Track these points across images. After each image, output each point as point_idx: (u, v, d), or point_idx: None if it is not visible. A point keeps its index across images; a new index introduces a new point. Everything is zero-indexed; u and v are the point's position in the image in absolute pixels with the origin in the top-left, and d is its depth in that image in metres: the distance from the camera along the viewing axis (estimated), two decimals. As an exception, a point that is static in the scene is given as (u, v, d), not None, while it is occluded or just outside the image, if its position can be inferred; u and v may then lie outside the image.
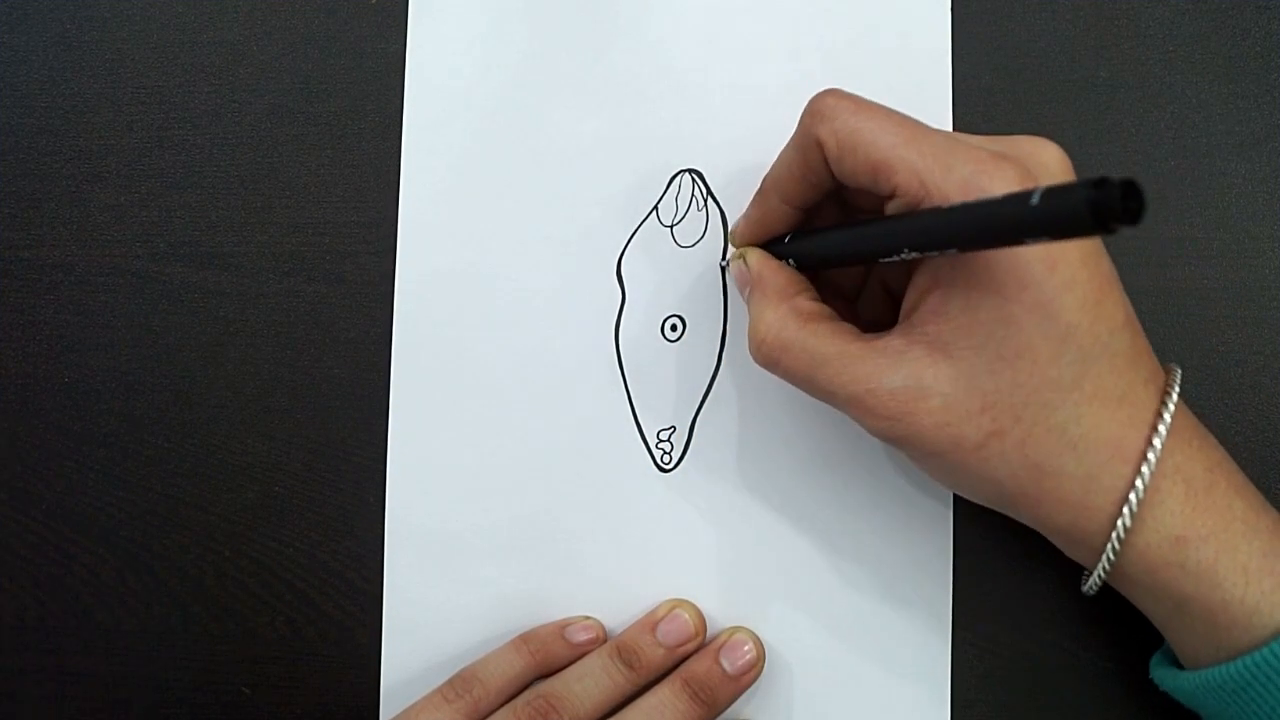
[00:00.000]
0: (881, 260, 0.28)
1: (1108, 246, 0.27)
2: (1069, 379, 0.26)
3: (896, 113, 0.28)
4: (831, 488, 0.35)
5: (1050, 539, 0.29)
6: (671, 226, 0.37)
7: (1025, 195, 0.22)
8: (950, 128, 0.35)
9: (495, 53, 0.38)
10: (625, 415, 0.36)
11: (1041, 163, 0.27)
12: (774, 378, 0.36)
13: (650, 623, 0.35)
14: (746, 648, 0.34)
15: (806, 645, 0.35)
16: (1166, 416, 0.26)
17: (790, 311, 0.29)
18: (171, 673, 0.38)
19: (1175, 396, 0.27)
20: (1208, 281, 0.34)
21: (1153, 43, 0.35)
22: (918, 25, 0.36)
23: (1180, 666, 0.29)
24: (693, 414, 0.36)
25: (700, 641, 0.35)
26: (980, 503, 0.29)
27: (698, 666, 0.34)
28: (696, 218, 0.36)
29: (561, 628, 0.35)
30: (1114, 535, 0.26)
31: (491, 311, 0.37)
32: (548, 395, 0.37)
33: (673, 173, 0.37)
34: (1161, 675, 0.30)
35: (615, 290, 0.37)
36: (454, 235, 0.37)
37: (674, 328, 0.36)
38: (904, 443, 0.27)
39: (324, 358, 0.38)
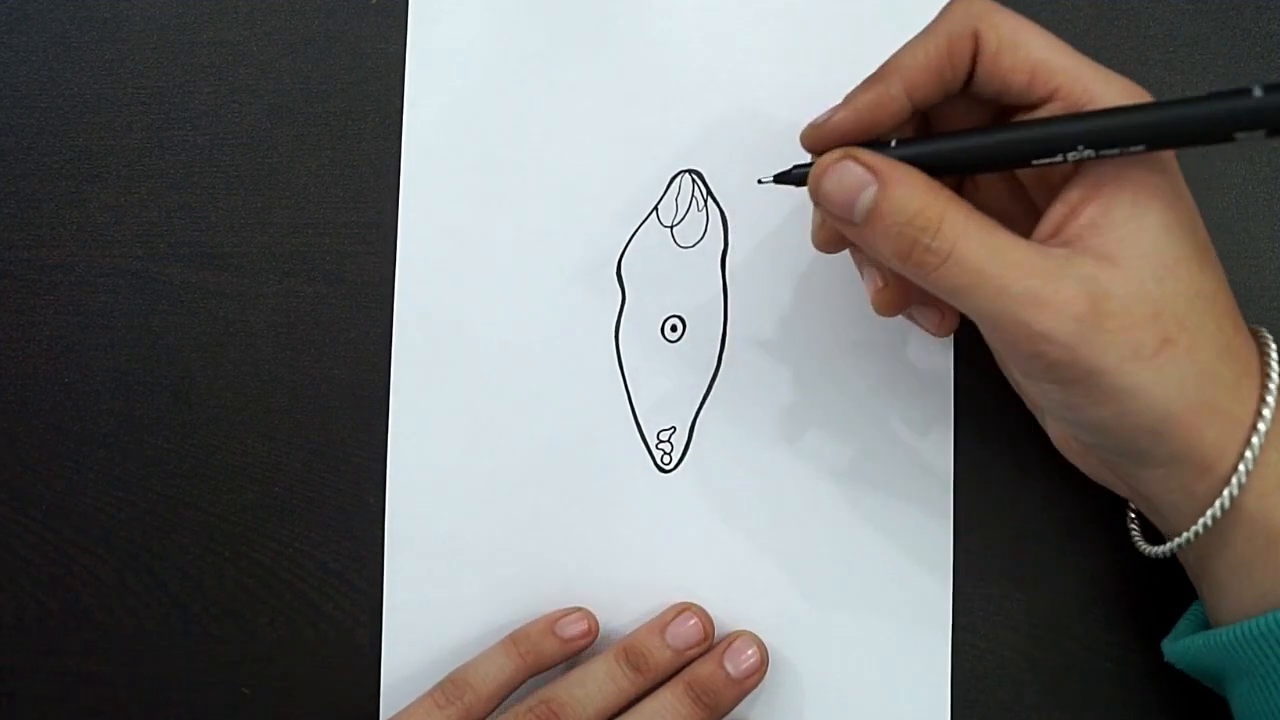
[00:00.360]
0: (1036, 163, 0.27)
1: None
2: (1209, 290, 0.27)
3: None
4: (832, 488, 0.35)
5: (1165, 490, 0.28)
6: (671, 227, 0.37)
7: (1244, 90, 0.25)
8: (950, 127, 0.35)
9: (495, 53, 0.38)
10: (625, 415, 0.36)
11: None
12: (773, 377, 0.36)
13: (659, 625, 0.35)
14: (750, 651, 0.34)
15: (807, 645, 0.35)
16: (1273, 342, 0.28)
17: (952, 199, 0.27)
18: (171, 673, 0.38)
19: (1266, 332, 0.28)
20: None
21: (1153, 43, 0.35)
22: (918, 25, 0.36)
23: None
24: (693, 414, 0.36)
25: (708, 645, 0.35)
26: (1125, 453, 0.28)
27: (701, 670, 0.34)
28: (696, 218, 0.36)
29: (551, 624, 0.35)
30: (1251, 447, 0.27)
31: (491, 311, 0.37)
32: (548, 395, 0.37)
33: (673, 173, 0.37)
34: (1188, 643, 0.29)
35: (615, 290, 0.37)
36: (454, 235, 0.37)
37: (674, 328, 0.36)
38: (1079, 351, 0.26)
39: (324, 358, 0.38)
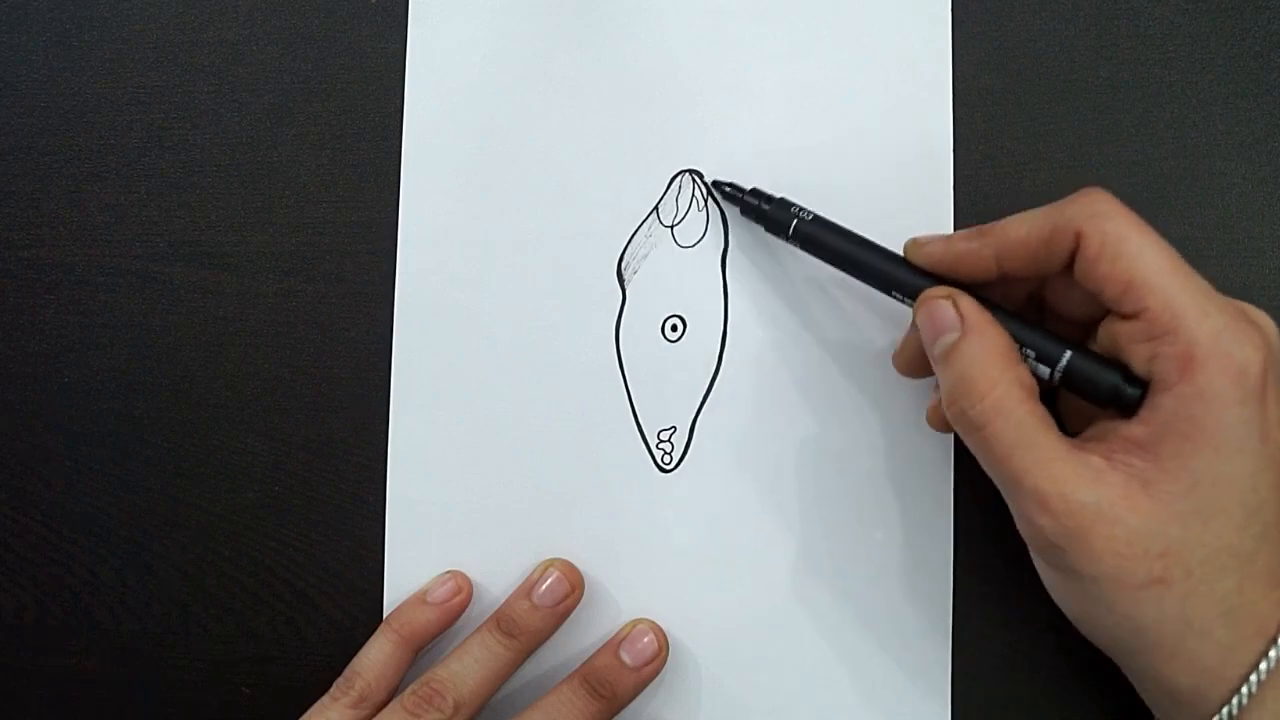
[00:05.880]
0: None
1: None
2: (1247, 550, 0.26)
3: (1163, 239, 0.27)
4: (832, 488, 0.35)
5: (1149, 693, 0.29)
6: (672, 227, 0.37)
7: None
8: (950, 128, 0.35)
9: (495, 53, 0.38)
10: (625, 415, 0.36)
11: (1267, 331, 0.27)
12: (773, 377, 0.36)
13: (526, 587, 0.35)
14: (647, 639, 0.34)
15: (807, 645, 0.35)
16: None
17: (1015, 379, 0.28)
18: (171, 673, 0.38)
19: None
20: (1208, 281, 0.34)
21: (1153, 43, 0.35)
22: (918, 25, 0.36)
23: None
24: (693, 414, 0.36)
25: (578, 597, 0.35)
26: (1100, 641, 0.29)
27: (597, 661, 0.34)
28: (696, 218, 0.36)
29: (423, 594, 0.36)
30: (1234, 702, 0.26)
31: (492, 311, 0.37)
32: (548, 395, 0.37)
33: (673, 173, 0.37)
34: None
35: (615, 290, 0.37)
36: (454, 235, 0.37)
37: (674, 328, 0.36)
38: (1067, 555, 0.27)
39: (324, 358, 0.38)
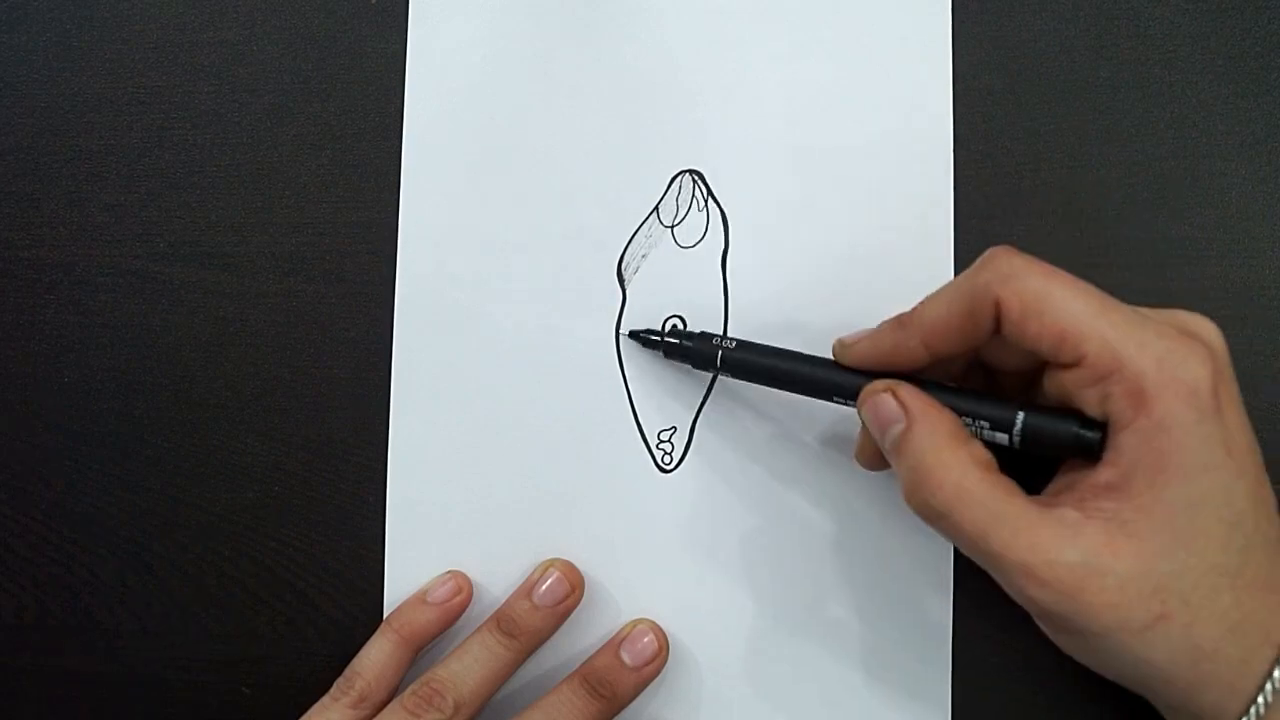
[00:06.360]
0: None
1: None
2: (1233, 565, 0.26)
3: (1080, 280, 0.27)
4: (832, 488, 0.35)
5: (1174, 716, 0.29)
6: (672, 227, 0.37)
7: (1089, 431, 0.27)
8: (950, 128, 0.35)
9: (496, 53, 0.38)
10: (625, 415, 0.36)
11: (1209, 340, 0.27)
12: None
13: (526, 588, 0.35)
14: (647, 639, 0.35)
15: (806, 646, 0.35)
16: None
17: (970, 459, 0.27)
18: (171, 673, 0.38)
19: None
20: (1208, 281, 0.34)
21: (1153, 43, 0.35)
22: (918, 25, 0.36)
23: None
24: (693, 414, 0.36)
25: (578, 597, 0.35)
26: (1118, 680, 0.29)
27: (597, 661, 0.34)
28: (697, 218, 0.36)
29: (423, 594, 0.36)
30: (1252, 712, 0.26)
31: (492, 311, 0.37)
32: (548, 396, 0.37)
33: (673, 173, 0.37)
34: None
35: (615, 290, 0.37)
36: (454, 235, 0.37)
37: (674, 328, 0.36)
38: (1067, 618, 0.27)
39: (324, 358, 0.38)
